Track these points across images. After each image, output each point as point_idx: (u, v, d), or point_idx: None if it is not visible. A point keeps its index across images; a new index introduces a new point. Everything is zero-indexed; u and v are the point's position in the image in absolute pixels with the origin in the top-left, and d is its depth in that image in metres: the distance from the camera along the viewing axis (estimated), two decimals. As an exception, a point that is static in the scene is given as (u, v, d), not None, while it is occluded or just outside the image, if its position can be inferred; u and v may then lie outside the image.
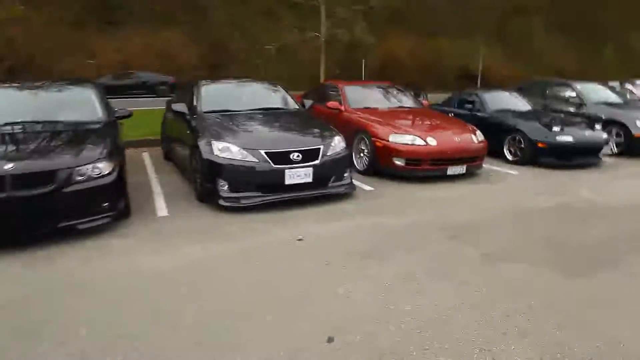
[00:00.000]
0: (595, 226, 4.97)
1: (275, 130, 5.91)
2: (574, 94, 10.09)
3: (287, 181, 5.27)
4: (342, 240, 4.45)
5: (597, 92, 10.29)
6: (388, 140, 6.56)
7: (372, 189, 6.30)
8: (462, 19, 31.33)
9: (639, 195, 6.32)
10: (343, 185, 5.75)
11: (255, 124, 5.95)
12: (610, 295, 3.46)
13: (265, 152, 5.23)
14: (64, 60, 20.99)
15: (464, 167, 6.71)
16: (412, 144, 6.50)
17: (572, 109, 9.87)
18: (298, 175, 5.31)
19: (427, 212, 5.32)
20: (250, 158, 5.19)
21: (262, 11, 27.73)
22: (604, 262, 4.05)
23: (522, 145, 7.98)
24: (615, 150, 9.21)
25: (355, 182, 6.47)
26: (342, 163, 5.75)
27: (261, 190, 5.27)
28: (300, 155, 5.35)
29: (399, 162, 6.49)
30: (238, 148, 5.23)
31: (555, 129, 7.73)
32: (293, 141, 5.52)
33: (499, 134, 8.37)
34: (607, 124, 9.29)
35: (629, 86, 11.76)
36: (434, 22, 31.56)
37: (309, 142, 5.57)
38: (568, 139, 7.70)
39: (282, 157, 5.26)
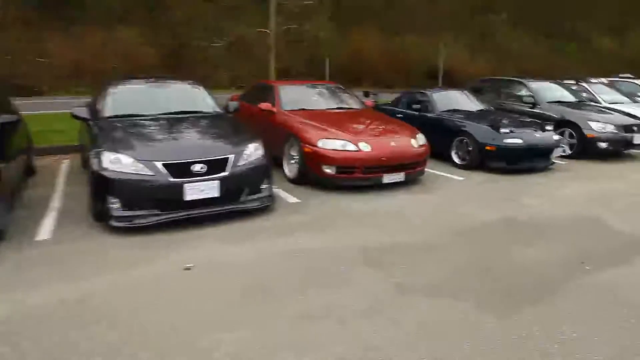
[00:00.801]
0: (537, 245, 4.43)
1: (182, 138, 5.21)
2: (527, 93, 9.64)
3: (188, 197, 4.58)
4: (240, 269, 3.79)
5: (551, 91, 9.87)
6: (317, 146, 5.93)
7: (298, 201, 5.65)
8: (429, 16, 31.07)
9: (586, 204, 5.82)
10: (259, 198, 5.10)
11: (160, 131, 5.23)
12: (541, 337, 2.89)
13: (163, 164, 4.54)
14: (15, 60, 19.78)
15: (402, 174, 6.12)
16: (343, 150, 5.88)
17: (526, 109, 9.41)
18: (201, 189, 4.63)
19: (351, 231, 4.70)
20: (145, 171, 4.49)
21: (226, 6, 26.80)
22: (540, 293, 3.48)
23: (470, 149, 7.44)
24: (568, 152, 8.77)
25: (281, 192, 5.86)
26: (258, 173, 5.09)
27: (159, 207, 4.57)
28: (205, 167, 4.67)
29: (328, 170, 5.87)
30: (131, 159, 4.52)
31: (504, 131, 7.22)
32: (198, 150, 4.82)
33: (447, 137, 7.84)
34: (561, 125, 8.86)
35: (584, 84, 11.38)
36: (401, 19, 31.19)
37: (217, 150, 4.90)
38: (517, 141, 7.20)
39: (182, 169, 4.58)
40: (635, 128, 8.80)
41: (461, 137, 7.58)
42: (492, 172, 7.29)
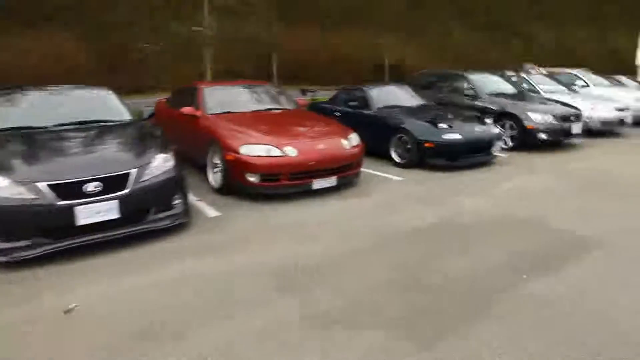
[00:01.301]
0: (471, 252, 4.08)
1: (74, 153, 4.56)
2: (468, 86, 9.43)
3: (81, 221, 3.97)
4: (132, 305, 3.24)
5: (491, 83, 9.72)
6: (239, 152, 5.40)
7: (219, 214, 5.12)
8: (377, 11, 31.02)
9: (526, 201, 5.57)
10: (170, 216, 4.53)
11: (49, 146, 4.55)
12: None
13: (48, 185, 3.91)
14: None
15: (334, 178, 5.69)
16: (268, 156, 5.38)
17: (467, 102, 9.20)
18: (96, 211, 4.03)
19: (271, 248, 4.21)
20: (26, 194, 3.84)
21: (164, 5, 25.75)
22: (470, 313, 3.10)
23: (409, 146, 7.10)
24: (510, 144, 8.61)
25: (203, 205, 5.32)
26: (168, 188, 4.52)
27: (47, 235, 3.94)
28: (101, 185, 4.06)
29: (252, 179, 5.36)
30: (9, 181, 3.86)
31: (442, 126, 6.91)
32: (92, 166, 4.19)
33: (385, 134, 7.49)
34: (501, 117, 8.69)
35: (524, 75, 11.34)
36: (348, 15, 30.98)
37: (116, 165, 4.28)
38: (456, 136, 6.91)
39: (72, 190, 3.96)
40: (572, 118, 8.74)
41: (400, 135, 7.23)
42: (432, 170, 6.99)
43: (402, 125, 7.18)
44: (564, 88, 11.51)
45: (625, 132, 10.70)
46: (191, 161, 6.44)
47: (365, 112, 7.95)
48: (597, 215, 5.00)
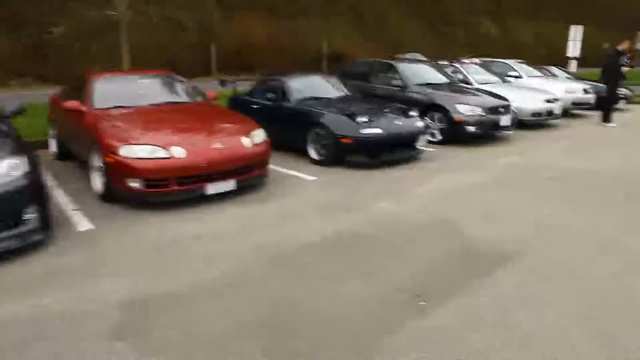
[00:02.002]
0: (366, 274, 3.54)
1: None
2: (397, 76, 8.97)
3: None
4: None
5: (420, 73, 9.30)
6: (119, 154, 4.65)
7: (91, 227, 4.36)
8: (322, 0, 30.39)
9: (445, 204, 5.14)
10: (19, 235, 3.74)
11: None
12: None
13: None
14: None
15: (233, 182, 5.03)
16: (152, 158, 4.66)
17: (396, 92, 8.74)
18: None
19: (139, 275, 3.50)
20: None
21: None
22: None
23: (326, 142, 6.54)
24: (439, 137, 8.23)
25: (78, 215, 4.54)
26: (15, 201, 3.73)
27: None
28: None
29: (134, 184, 4.63)
30: None
31: (361, 120, 6.38)
32: None
33: (302, 129, 6.89)
34: (430, 109, 8.28)
35: (457, 65, 11.03)
36: (294, 3, 30.14)
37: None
38: (376, 131, 6.40)
39: None
40: (502, 109, 8.45)
41: (317, 129, 6.65)
42: (352, 168, 6.46)
43: (319, 119, 6.60)
44: (496, 78, 11.30)
45: (555, 123, 10.62)
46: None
47: (284, 104, 7.31)
48: (521, 220, 4.61)
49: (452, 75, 10.58)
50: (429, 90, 8.50)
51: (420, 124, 7.05)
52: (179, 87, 6.69)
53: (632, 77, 19.25)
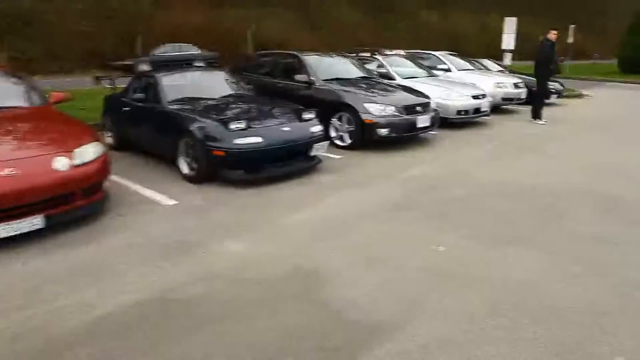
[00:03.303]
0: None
1: None
2: (303, 70, 7.84)
3: None
4: None
5: (331, 67, 8.21)
6: None
7: None
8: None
9: (326, 234, 4.07)
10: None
11: None
12: None
13: None
14: None
15: (40, 218, 3.75)
16: None
17: (301, 90, 7.63)
18: None
19: None
20: None
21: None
22: None
23: (197, 154, 5.34)
24: (348, 141, 7.17)
25: None
26: None
27: None
28: None
29: None
30: None
31: (235, 127, 5.19)
32: None
33: (173, 138, 5.66)
34: (339, 109, 7.21)
35: (379, 58, 10.02)
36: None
37: None
38: (254, 140, 5.24)
39: None
40: (420, 108, 7.48)
41: (187, 138, 5.43)
42: (230, 185, 5.29)
43: (188, 126, 5.38)
44: (423, 72, 10.40)
45: (484, 120, 9.82)
46: None
47: (155, 106, 6.04)
48: (409, 267, 3.56)
49: (373, 69, 9.59)
50: (337, 87, 7.41)
51: (316, 128, 5.95)
52: (11, 87, 5.29)
53: (565, 70, 19.01)
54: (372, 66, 9.68)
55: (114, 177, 5.33)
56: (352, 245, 3.84)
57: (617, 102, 14.72)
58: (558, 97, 13.08)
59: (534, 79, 10.30)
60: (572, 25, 21.75)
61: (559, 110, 11.97)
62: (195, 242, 3.86)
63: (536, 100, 10.27)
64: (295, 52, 8.29)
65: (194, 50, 14.09)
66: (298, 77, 7.65)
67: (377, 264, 3.52)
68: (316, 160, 6.03)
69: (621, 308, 2.96)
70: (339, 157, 6.71)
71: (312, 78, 7.64)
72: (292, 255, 3.65)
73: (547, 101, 11.09)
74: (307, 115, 5.97)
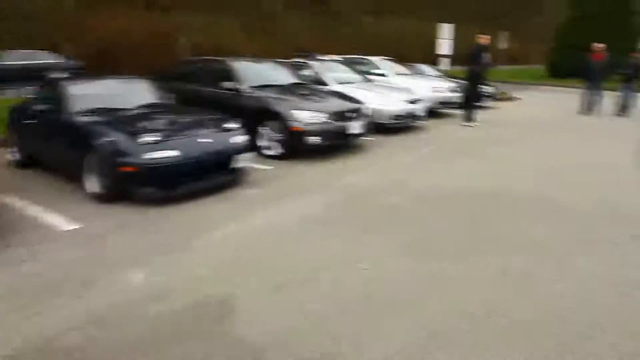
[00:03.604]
0: None
1: None
2: (231, 76, 7.45)
3: None
4: None
5: (259, 73, 7.88)
6: None
7: None
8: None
9: (238, 258, 3.70)
10: None
11: None
12: None
13: None
14: None
15: None
16: None
17: (226, 98, 7.23)
18: None
19: None
20: None
21: None
22: None
23: (105, 170, 4.84)
24: (279, 150, 6.84)
25: None
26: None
27: None
28: None
29: None
30: None
31: (145, 140, 4.75)
32: None
33: (77, 153, 5.12)
34: (267, 117, 6.87)
35: (312, 63, 9.78)
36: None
37: None
38: (167, 154, 4.80)
39: None
40: (352, 114, 7.27)
41: (93, 153, 4.92)
42: (145, 204, 4.82)
43: (93, 141, 4.87)
44: (359, 77, 10.26)
45: (420, 125, 9.78)
46: None
47: (60, 118, 5.47)
48: (324, 296, 3.26)
49: (309, 75, 9.33)
50: (264, 94, 7.07)
51: (239, 139, 5.59)
52: None
53: (496, 74, 19.57)
54: (308, 72, 9.39)
55: (12, 199, 4.78)
56: (264, 269, 3.50)
57: (544, 104, 15.28)
58: (493, 100, 13.35)
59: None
60: (505, 32, 22.52)
61: (492, 112, 12.18)
62: (87, 276, 3.39)
63: (467, 103, 10.35)
64: (222, 58, 7.89)
65: (52, 59, 13.66)
66: (225, 84, 7.25)
67: (288, 292, 3.19)
68: (240, 173, 5.65)
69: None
70: (268, 167, 6.37)
71: (238, 85, 7.25)
72: (205, 285, 3.26)
73: (480, 104, 11.23)
74: (229, 125, 5.60)
